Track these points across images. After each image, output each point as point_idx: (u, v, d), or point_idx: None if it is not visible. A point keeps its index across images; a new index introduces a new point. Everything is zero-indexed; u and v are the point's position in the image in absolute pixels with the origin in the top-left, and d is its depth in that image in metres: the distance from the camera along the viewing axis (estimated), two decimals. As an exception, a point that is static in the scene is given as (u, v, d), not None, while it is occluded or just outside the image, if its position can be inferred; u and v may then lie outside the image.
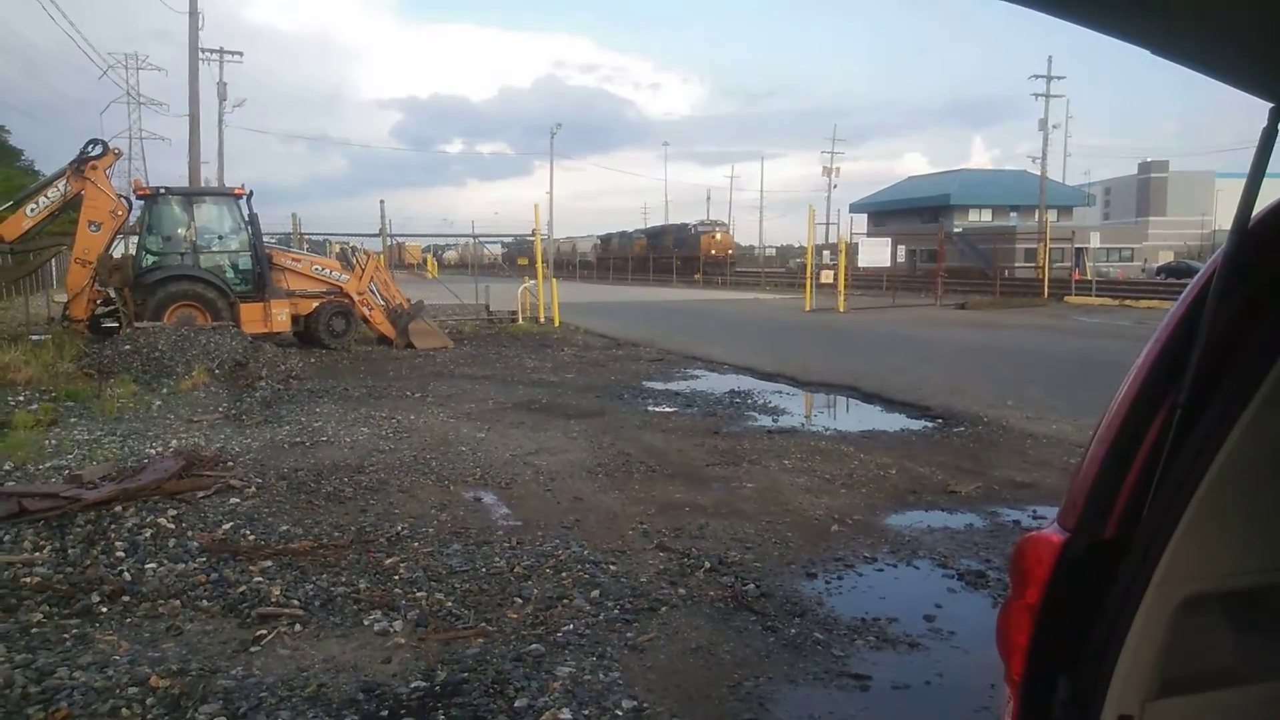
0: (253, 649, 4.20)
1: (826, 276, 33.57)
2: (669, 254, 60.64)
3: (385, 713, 3.62)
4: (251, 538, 5.78)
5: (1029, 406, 10.69)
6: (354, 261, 18.84)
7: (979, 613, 4.74)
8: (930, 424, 10.07)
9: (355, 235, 24.24)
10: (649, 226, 77.45)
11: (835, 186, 72.24)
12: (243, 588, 4.91)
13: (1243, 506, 1.63)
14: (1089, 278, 38.63)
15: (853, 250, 39.13)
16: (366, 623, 4.50)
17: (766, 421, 10.18)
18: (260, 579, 5.04)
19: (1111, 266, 51.18)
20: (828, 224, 63.61)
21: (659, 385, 13.04)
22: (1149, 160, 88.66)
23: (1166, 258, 58.32)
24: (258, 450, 8.33)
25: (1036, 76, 51.74)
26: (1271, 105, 1.50)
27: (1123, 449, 1.63)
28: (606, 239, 76.05)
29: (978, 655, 4.17)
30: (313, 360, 15.64)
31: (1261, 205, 1.64)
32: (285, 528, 6.00)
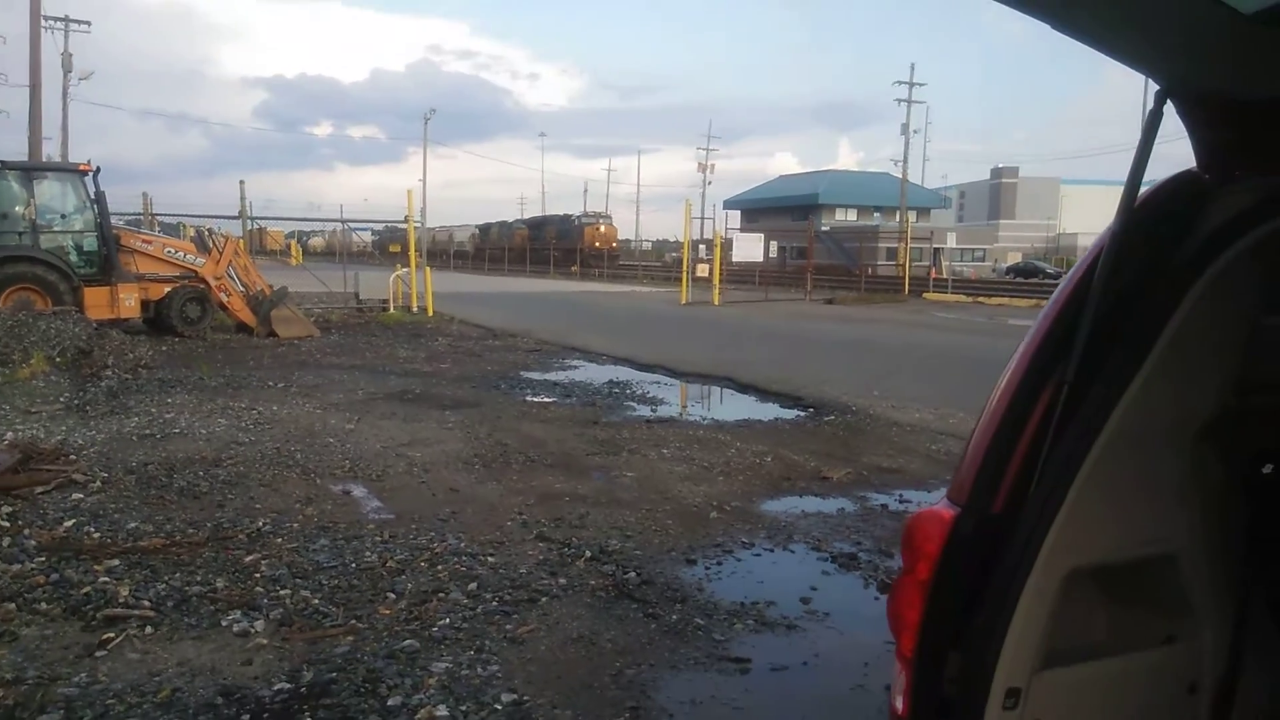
0: (98, 654, 3.87)
1: (702, 270, 34.06)
2: (551, 245, 60.10)
3: (246, 716, 3.40)
4: (96, 535, 5.35)
5: (893, 396, 11.11)
6: (211, 245, 17.81)
7: (852, 594, 4.86)
8: (802, 413, 10.32)
9: (213, 218, 22.97)
10: (530, 217, 76.68)
11: (710, 183, 73.40)
12: (87, 589, 4.52)
13: (1122, 482, 1.68)
14: (945, 276, 40.73)
15: (727, 245, 39.90)
16: (225, 623, 4.22)
17: (645, 411, 10.20)
18: (106, 579, 4.66)
19: (966, 266, 54.07)
20: (703, 219, 64.30)
21: (537, 375, 12.89)
22: (1000, 166, 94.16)
23: (1015, 258, 62.06)
24: (103, 443, 7.74)
25: (899, 82, 54.12)
26: (1158, 88, 1.55)
27: (1010, 426, 1.65)
28: (485, 229, 74.74)
29: (852, 635, 4.27)
30: (165, 348, 14.71)
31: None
32: (134, 524, 5.58)
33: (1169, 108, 1.62)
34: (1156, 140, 1.61)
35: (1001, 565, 1.59)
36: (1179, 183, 1.73)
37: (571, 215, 66.49)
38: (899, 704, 1.70)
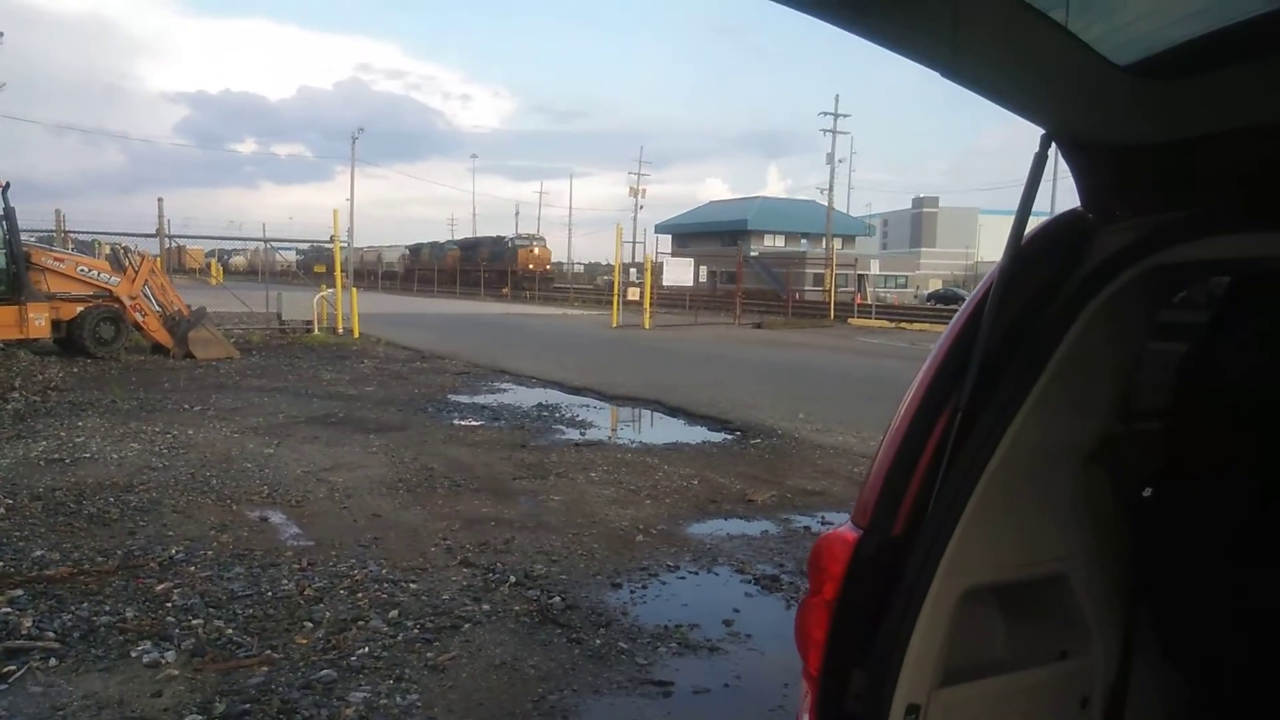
0: (-2, 688, 3.71)
1: (633, 294, 34.22)
2: (484, 267, 59.54)
3: (153, 753, 3.29)
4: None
5: (818, 419, 11.32)
6: (126, 263, 17.24)
7: (774, 616, 4.93)
8: (730, 436, 10.43)
9: (129, 235, 22.15)
10: (463, 238, 75.82)
11: (642, 207, 73.93)
12: (-15, 621, 4.33)
13: (1015, 504, 1.76)
14: (869, 302, 41.65)
15: (658, 269, 40.13)
16: (134, 654, 4.09)
17: (574, 435, 10.19)
18: (9, 610, 4.48)
19: (889, 292, 55.43)
20: (634, 243, 64.88)
21: (465, 399, 12.77)
22: (921, 196, 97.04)
23: (936, 285, 63.82)
24: (8, 468, 7.42)
25: (825, 113, 55.45)
26: (1043, 132, 1.65)
27: (909, 451, 1.72)
28: (416, 249, 73.72)
29: (773, 656, 4.33)
30: (76, 370, 14.16)
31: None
32: (40, 553, 5.37)
33: (1054, 151, 1.73)
34: (1044, 179, 1.72)
35: (901, 585, 1.65)
36: (1063, 221, 1.83)
37: (505, 237, 66.01)
38: (805, 722, 1.75)
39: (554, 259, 67.76)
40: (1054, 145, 1.70)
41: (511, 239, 64.18)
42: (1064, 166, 1.87)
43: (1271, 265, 1.93)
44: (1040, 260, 1.77)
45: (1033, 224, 1.82)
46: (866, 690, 1.67)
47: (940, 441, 1.69)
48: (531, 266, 59.08)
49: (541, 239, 65.51)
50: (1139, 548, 2.03)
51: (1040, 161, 1.68)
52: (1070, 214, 1.86)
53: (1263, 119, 1.47)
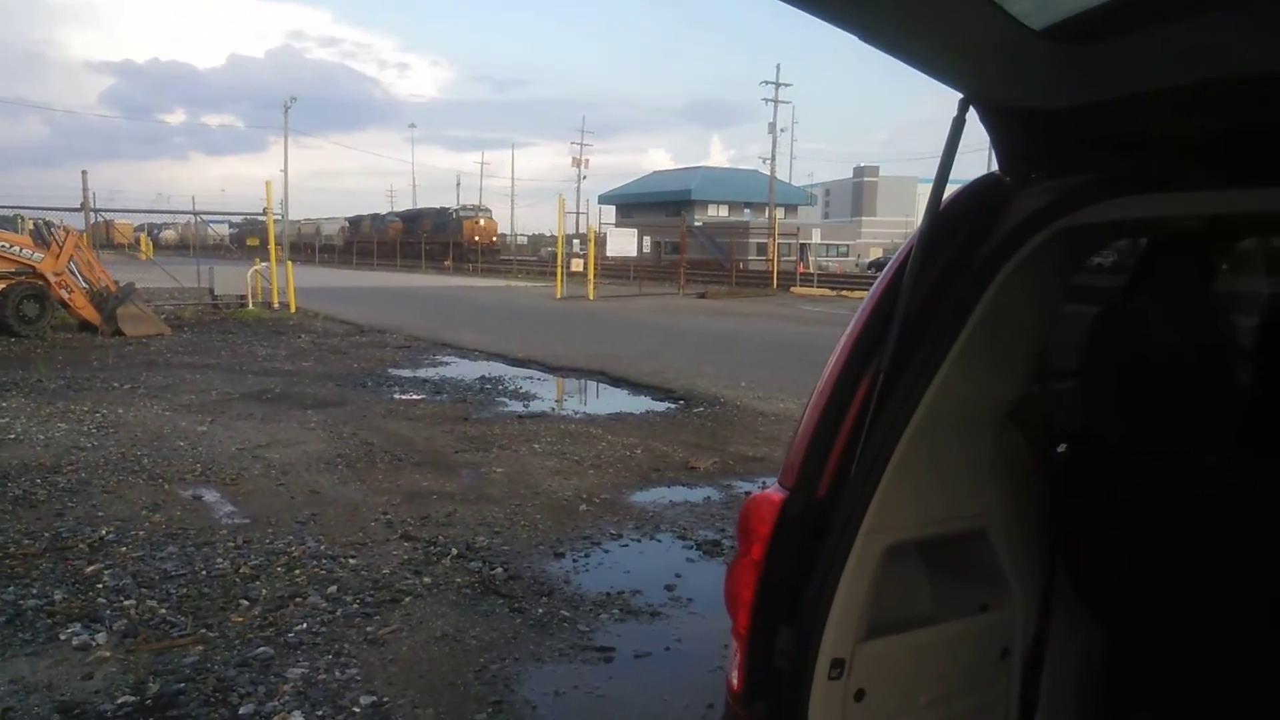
0: (-84, 677, 3.60)
1: (577, 265, 34.11)
2: (428, 239, 58.29)
3: (84, 736, 3.23)
4: (-86, 551, 4.95)
5: (760, 387, 11.44)
6: (50, 239, 16.60)
7: (715, 579, 4.98)
8: (673, 405, 10.49)
9: (53, 210, 21.35)
10: (405, 209, 74.14)
11: (585, 178, 73.68)
12: (-97, 608, 4.19)
13: (935, 461, 1.81)
14: (811, 271, 42.08)
15: (602, 240, 40.03)
16: (63, 637, 3.99)
17: (517, 407, 10.15)
18: (-74, 597, 4.34)
19: (830, 261, 55.96)
20: (578, 214, 64.49)
21: (406, 373, 12.62)
22: (862, 165, 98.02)
23: (876, 253, 64.59)
24: (-78, 452, 7.14)
25: (767, 82, 55.49)
26: (960, 96, 1.67)
27: (833, 413, 1.75)
28: (356, 221, 71.90)
29: (713, 619, 4.39)
30: (-3, 349, 13.66)
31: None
32: (-42, 538, 5.19)
33: (971, 114, 1.75)
34: (978, 140, 1.75)
35: (825, 543, 1.69)
36: (981, 185, 1.87)
37: (449, 208, 64.59)
38: (734, 679, 1.79)
39: (499, 230, 66.82)
40: (971, 109, 1.72)
41: (456, 210, 62.90)
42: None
43: (1184, 225, 2.00)
44: (958, 224, 1.80)
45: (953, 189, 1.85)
46: (793, 646, 1.70)
47: (863, 403, 1.72)
48: (477, 239, 58.11)
49: (487, 210, 64.33)
50: (1055, 504, 2.10)
51: (958, 125, 1.71)
52: (987, 177, 1.89)
53: (1174, 81, 1.51)
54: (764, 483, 7.03)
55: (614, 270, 42.29)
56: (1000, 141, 1.85)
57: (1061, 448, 2.19)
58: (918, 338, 1.72)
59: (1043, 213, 1.73)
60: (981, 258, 1.76)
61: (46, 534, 5.32)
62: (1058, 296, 2.06)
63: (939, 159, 1.74)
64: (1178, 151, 1.61)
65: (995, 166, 1.94)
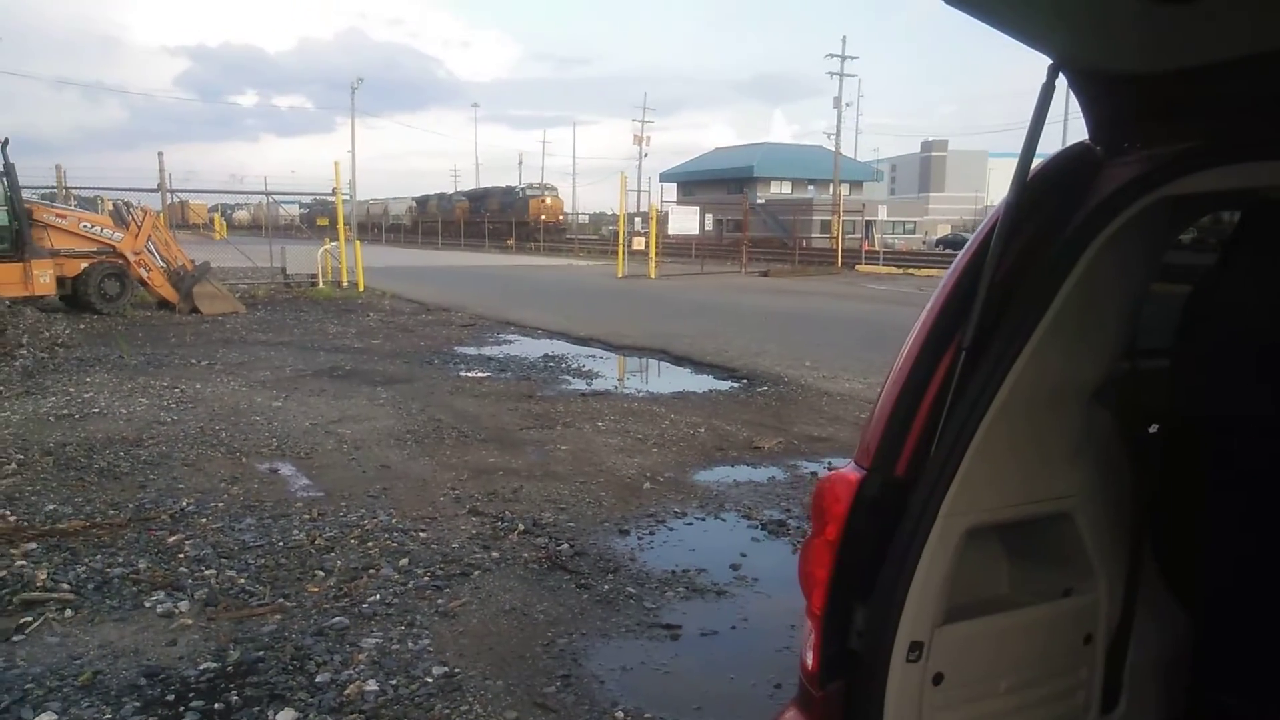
0: (15, 638, 3.78)
1: (638, 244, 34.01)
2: (494, 218, 58.59)
3: (171, 697, 3.35)
4: (13, 519, 5.20)
5: (824, 366, 11.31)
6: (129, 219, 17.18)
7: (780, 559, 4.97)
8: (736, 384, 10.43)
9: (131, 190, 22.10)
10: (472, 189, 74.74)
11: (646, 155, 72.91)
12: (2, 573, 4.40)
13: (1019, 442, 1.75)
14: (877, 248, 41.34)
15: (663, 218, 39.84)
16: (148, 604, 4.15)
17: (580, 385, 10.20)
18: (24, 563, 4.54)
19: (896, 238, 54.94)
20: (639, 192, 63.94)
21: (471, 350, 12.78)
22: (930, 140, 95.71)
23: (944, 231, 63.32)
24: (18, 424, 7.47)
25: (832, 55, 54.54)
26: (1050, 62, 1.60)
27: (912, 391, 1.71)
28: (423, 201, 72.73)
29: (779, 599, 4.37)
30: (82, 326, 14.20)
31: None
32: (52, 507, 5.43)
33: (1061, 81, 1.68)
34: (1055, 118, 1.67)
35: (904, 524, 1.65)
36: (1070, 155, 1.79)
37: (515, 187, 64.82)
38: (809, 659, 1.77)
39: (564, 209, 66.87)
40: (1061, 76, 1.65)
41: (522, 189, 63.04)
42: (1075, 105, 1.82)
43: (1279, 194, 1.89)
44: (1047, 194, 1.73)
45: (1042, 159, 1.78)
46: (869, 628, 1.68)
47: (944, 381, 1.67)
48: (544, 217, 58.16)
49: (553, 188, 64.26)
50: (1143, 486, 2.02)
51: (1047, 92, 1.64)
52: (1078, 146, 1.82)
53: (1274, 45, 1.42)
54: (829, 463, 6.97)
55: (675, 249, 42.13)
56: (1091, 108, 1.77)
57: (1154, 428, 2.11)
58: (1002, 314, 1.66)
59: (1136, 183, 1.65)
60: (1071, 230, 1.70)
61: (130, 505, 5.53)
62: (1150, 271, 1.97)
63: (1018, 127, 1.67)
64: (1277, 117, 1.52)
65: (1069, 141, 1.86)
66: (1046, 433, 1.83)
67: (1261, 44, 1.43)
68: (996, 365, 1.64)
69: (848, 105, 57.24)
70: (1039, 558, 1.96)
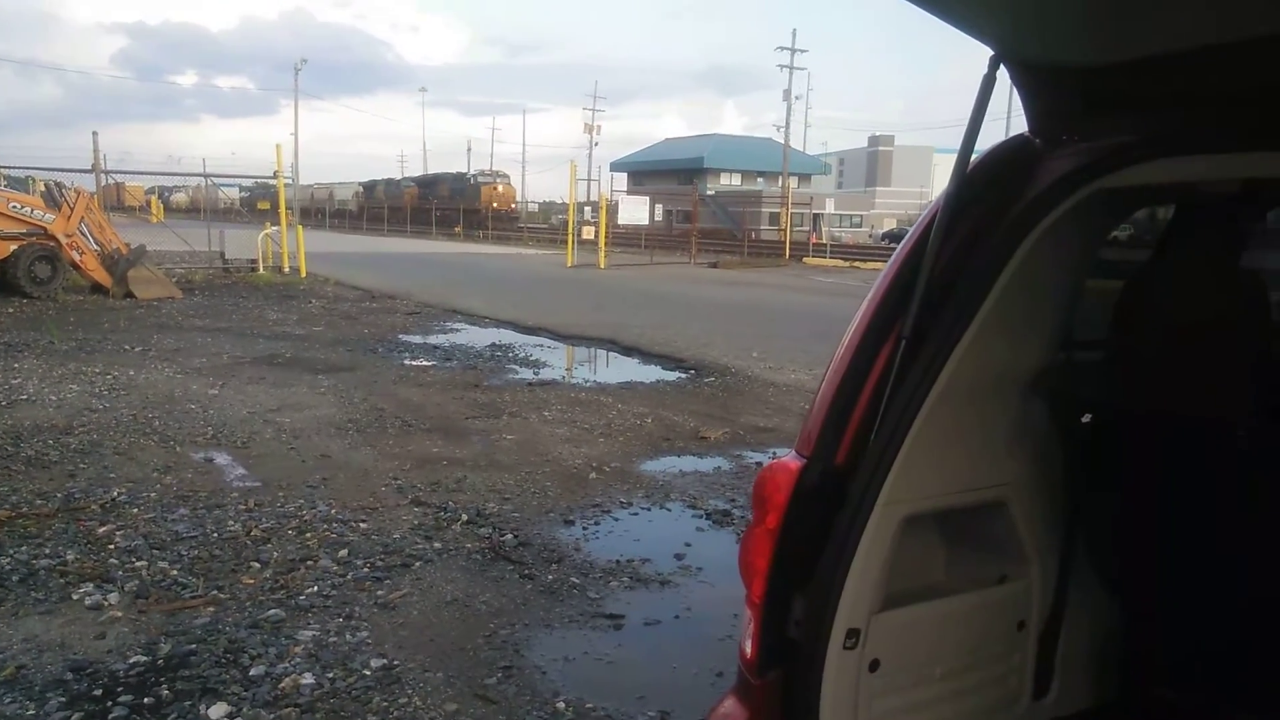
0: (-68, 634, 3.63)
1: (588, 233, 33.88)
2: (444, 205, 57.71)
3: (98, 691, 3.25)
4: (-72, 510, 4.99)
5: (771, 357, 11.39)
6: (61, 200, 16.59)
7: (724, 549, 4.99)
8: (684, 375, 10.46)
9: (64, 171, 21.15)
10: (422, 175, 73.52)
11: (597, 144, 72.48)
12: (-81, 566, 4.22)
13: (956, 431, 1.77)
14: (825, 241, 41.81)
15: (613, 208, 39.75)
16: (76, 597, 4.02)
17: (528, 374, 10.14)
18: (-59, 556, 4.37)
19: (844, 231, 55.63)
20: (589, 181, 63.67)
21: (417, 339, 12.61)
22: (877, 134, 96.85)
23: (890, 225, 64.09)
24: (-64, 412, 7.18)
25: (782, 48, 54.76)
26: (991, 54, 1.61)
27: (852, 380, 1.71)
28: (370, 186, 71.37)
29: (723, 588, 4.39)
30: (11, 310, 13.70)
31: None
32: (-28, 498, 5.22)
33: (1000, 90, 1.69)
34: (997, 109, 1.68)
35: (843, 513, 1.66)
36: (1010, 147, 1.81)
37: (466, 174, 63.86)
38: (747, 648, 1.77)
39: (516, 198, 66.17)
40: (1003, 67, 1.66)
41: (474, 176, 62.17)
42: (1018, 103, 1.83)
43: (1215, 190, 1.94)
44: (986, 185, 1.75)
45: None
46: (807, 616, 1.68)
47: (884, 370, 1.67)
48: (495, 205, 57.54)
49: (505, 176, 63.52)
50: (1076, 475, 2.06)
51: (988, 83, 1.65)
52: (1017, 139, 1.83)
53: (1210, 40, 1.45)
54: (774, 453, 7.01)
55: (625, 239, 42.07)
56: (1031, 100, 1.78)
57: (1086, 418, 2.15)
58: (941, 304, 1.67)
59: (1074, 175, 1.68)
60: (1009, 221, 1.71)
61: (59, 495, 5.35)
62: (1087, 262, 2.01)
63: (964, 123, 1.68)
64: (1215, 112, 1.55)
65: (1014, 134, 1.88)
66: (984, 422, 1.85)
67: (1199, 38, 1.46)
68: (935, 355, 1.65)
69: (797, 99, 57.65)
70: (974, 545, 1.99)
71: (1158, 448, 2.05)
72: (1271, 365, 2.06)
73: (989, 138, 2.05)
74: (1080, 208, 1.69)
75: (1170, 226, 2.24)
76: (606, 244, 31.09)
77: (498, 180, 60.99)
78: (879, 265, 32.83)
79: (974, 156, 1.72)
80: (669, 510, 5.64)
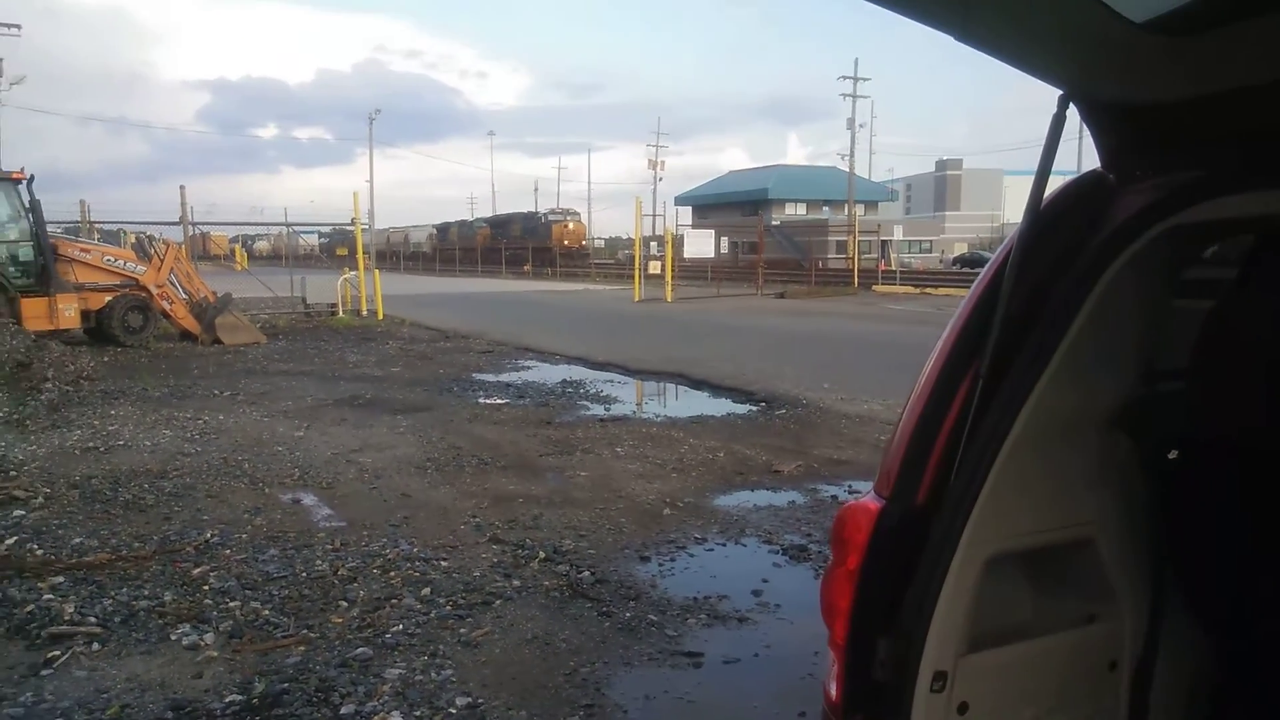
0: (44, 672, 3.82)
1: (654, 267, 34.14)
2: (516, 244, 58.70)
3: (197, 732, 3.37)
4: (40, 552, 5.25)
5: (843, 388, 11.27)
6: (151, 252, 17.43)
7: (802, 585, 4.94)
8: (754, 408, 10.42)
9: (153, 224, 22.38)
10: (493, 215, 75.08)
11: (661, 179, 73.01)
12: (30, 607, 4.44)
13: (1038, 469, 1.75)
14: (894, 268, 41.28)
15: (678, 242, 40.04)
16: (174, 637, 4.18)
17: (599, 410, 10.23)
18: (51, 596, 4.59)
19: (913, 257, 54.79)
20: (654, 216, 64.14)
21: (490, 377, 12.85)
22: (945, 159, 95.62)
23: (961, 249, 63.02)
24: (44, 457, 7.56)
25: (845, 77, 54.66)
26: (1060, 93, 1.62)
27: (931, 419, 1.71)
28: (444, 228, 73.18)
29: (802, 625, 4.35)
30: (107, 359, 14.37)
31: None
32: (79, 540, 5.48)
33: (1072, 111, 1.70)
34: (1070, 139, 1.69)
35: (925, 553, 1.65)
36: (1083, 183, 1.81)
37: (538, 212, 64.92)
38: (832, 690, 1.76)
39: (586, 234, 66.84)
40: (1072, 106, 1.67)
41: (545, 214, 63.10)
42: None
43: None
44: (1060, 223, 1.75)
45: (1054, 185, 1.79)
46: (892, 658, 1.67)
47: (962, 408, 1.68)
48: (567, 241, 58.24)
49: (575, 213, 64.28)
50: (1166, 511, 2.01)
51: (1058, 123, 1.65)
52: (1090, 175, 1.83)
53: (1276, 74, 1.43)
54: (850, 486, 6.94)
55: (691, 271, 42.23)
56: (1102, 138, 1.78)
57: (1173, 453, 2.10)
58: (1020, 341, 1.67)
59: (1149, 211, 1.67)
60: (1086, 257, 1.71)
61: (155, 537, 5.58)
62: (1166, 296, 1.98)
63: (1034, 153, 1.69)
64: None
65: (1084, 160, 1.88)
66: (1066, 459, 1.83)
67: (1266, 74, 1.45)
68: (1014, 392, 1.65)
69: (861, 126, 57.28)
70: (1061, 584, 1.95)
71: (1246, 483, 2.00)
72: None
73: (1065, 160, 2.05)
74: (1156, 243, 1.68)
75: (1252, 253, 2.19)
76: (673, 277, 31.25)
77: (568, 218, 61.83)
78: (951, 291, 32.39)
79: (1048, 193, 1.72)
80: (744, 546, 5.62)
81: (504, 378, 12.83)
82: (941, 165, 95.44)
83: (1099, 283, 1.69)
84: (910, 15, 1.39)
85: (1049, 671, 1.87)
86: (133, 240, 21.92)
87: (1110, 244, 1.68)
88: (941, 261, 57.17)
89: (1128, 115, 1.70)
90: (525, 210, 68.97)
